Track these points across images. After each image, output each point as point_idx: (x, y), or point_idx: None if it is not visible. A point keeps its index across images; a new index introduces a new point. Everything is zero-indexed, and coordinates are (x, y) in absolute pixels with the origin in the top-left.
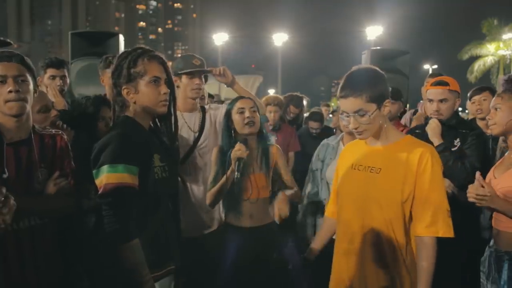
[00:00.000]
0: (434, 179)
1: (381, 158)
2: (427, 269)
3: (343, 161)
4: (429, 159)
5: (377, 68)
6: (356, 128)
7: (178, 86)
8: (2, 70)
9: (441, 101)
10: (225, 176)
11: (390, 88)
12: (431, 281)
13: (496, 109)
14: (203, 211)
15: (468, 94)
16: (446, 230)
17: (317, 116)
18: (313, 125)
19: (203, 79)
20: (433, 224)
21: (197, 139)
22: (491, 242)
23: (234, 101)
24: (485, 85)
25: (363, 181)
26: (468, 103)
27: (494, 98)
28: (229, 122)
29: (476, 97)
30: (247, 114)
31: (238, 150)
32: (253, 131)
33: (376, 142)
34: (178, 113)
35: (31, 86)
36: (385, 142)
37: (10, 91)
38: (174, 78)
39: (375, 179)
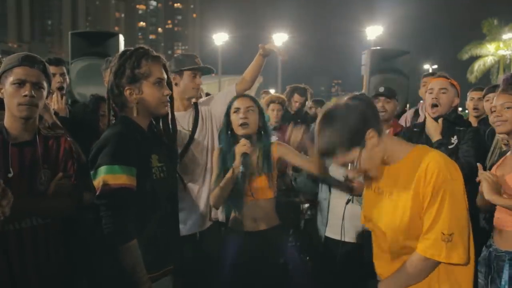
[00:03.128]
0: (437, 193)
1: (389, 179)
2: (405, 274)
3: None
4: (434, 170)
5: (340, 106)
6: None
7: (176, 84)
8: (23, 74)
9: (441, 90)
10: (229, 172)
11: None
12: (401, 284)
13: (507, 108)
14: (198, 208)
15: (483, 92)
16: (435, 252)
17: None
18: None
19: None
20: (423, 241)
21: (191, 137)
22: (489, 242)
23: (233, 99)
24: (498, 84)
25: (373, 203)
26: (483, 102)
27: (501, 96)
28: (228, 121)
29: (491, 95)
30: (241, 114)
31: (243, 145)
32: (247, 132)
33: (386, 163)
34: None
35: (45, 92)
36: (393, 161)
37: (25, 96)
38: (173, 75)
39: (384, 205)
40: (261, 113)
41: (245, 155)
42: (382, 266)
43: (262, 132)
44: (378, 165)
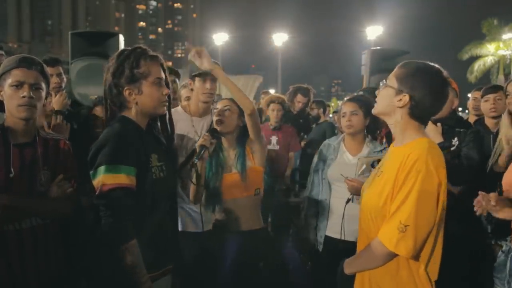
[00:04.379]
0: (408, 181)
1: (388, 160)
2: (364, 256)
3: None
4: (412, 159)
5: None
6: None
7: (192, 89)
8: (21, 76)
9: None
10: (194, 167)
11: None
12: (357, 267)
13: None
14: (202, 210)
15: (481, 92)
16: (387, 238)
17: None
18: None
19: (216, 83)
20: (384, 226)
21: None
22: (505, 247)
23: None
24: (497, 84)
25: (368, 183)
26: (481, 102)
27: None
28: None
29: (490, 96)
30: (217, 113)
31: (202, 138)
32: (222, 130)
33: (395, 143)
34: (187, 116)
35: (44, 94)
36: (400, 143)
37: (23, 97)
38: (188, 81)
39: (374, 182)
40: (242, 114)
41: (202, 147)
42: (362, 244)
43: (244, 133)
44: (386, 113)
